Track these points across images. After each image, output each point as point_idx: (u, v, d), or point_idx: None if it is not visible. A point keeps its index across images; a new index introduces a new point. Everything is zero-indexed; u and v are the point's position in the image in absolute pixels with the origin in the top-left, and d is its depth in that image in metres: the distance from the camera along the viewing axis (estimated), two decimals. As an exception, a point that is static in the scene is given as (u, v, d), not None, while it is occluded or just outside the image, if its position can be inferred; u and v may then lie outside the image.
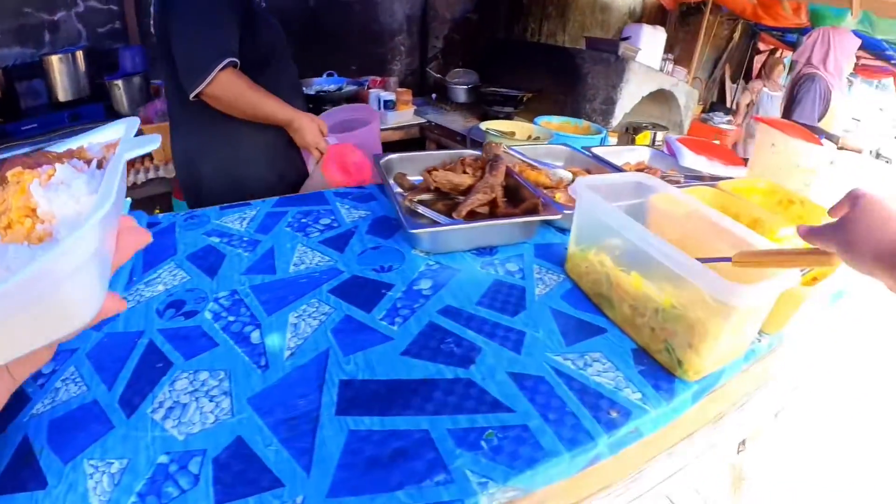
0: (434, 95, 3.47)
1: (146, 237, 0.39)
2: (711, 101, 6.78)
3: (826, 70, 3.11)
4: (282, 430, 0.68)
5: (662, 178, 1.54)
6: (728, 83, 6.83)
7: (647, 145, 2.42)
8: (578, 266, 1.05)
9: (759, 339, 1.00)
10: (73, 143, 0.42)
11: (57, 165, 0.36)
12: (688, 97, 3.20)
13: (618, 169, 1.51)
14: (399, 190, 1.33)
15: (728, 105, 6.61)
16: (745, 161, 1.77)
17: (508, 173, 1.29)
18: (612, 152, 1.68)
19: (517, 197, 1.26)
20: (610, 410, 0.76)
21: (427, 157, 1.43)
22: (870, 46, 4.96)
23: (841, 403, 2.67)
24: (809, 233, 0.66)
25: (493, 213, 1.22)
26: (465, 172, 1.29)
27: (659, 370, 0.86)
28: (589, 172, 1.51)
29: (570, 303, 1.00)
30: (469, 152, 1.43)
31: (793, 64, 3.49)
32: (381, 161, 1.38)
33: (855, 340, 3.00)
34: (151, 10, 1.49)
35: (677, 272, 0.78)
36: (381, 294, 1.00)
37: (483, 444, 0.69)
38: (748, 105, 5.65)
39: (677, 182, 1.50)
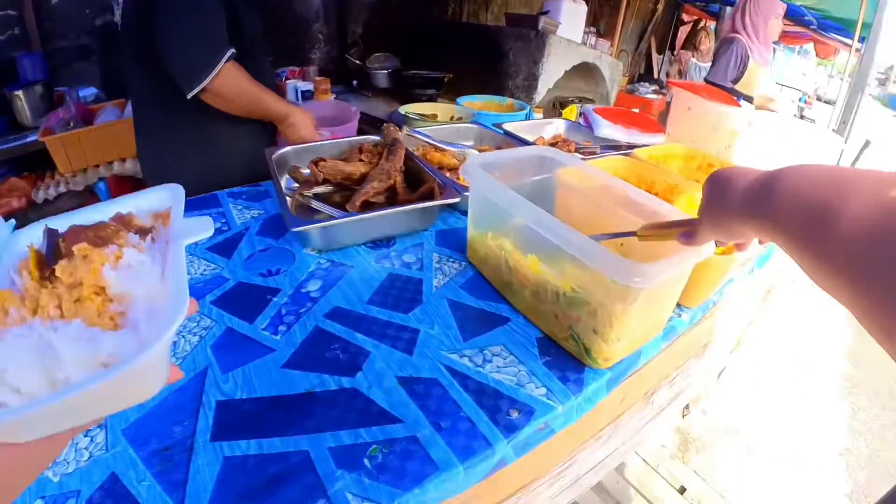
0: (355, 82, 3.32)
1: (194, 307, 0.41)
2: (639, 72, 6.86)
3: (747, 35, 3.13)
4: (155, 463, 0.62)
5: (578, 150, 1.48)
6: (654, 55, 6.92)
7: (574, 119, 2.37)
8: (478, 252, 0.96)
9: (678, 314, 0.94)
10: (121, 208, 0.45)
11: (124, 250, 0.40)
12: (612, 69, 3.17)
13: (528, 144, 1.43)
14: (295, 185, 1.21)
15: (655, 76, 6.70)
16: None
17: (408, 157, 1.19)
18: (527, 127, 1.61)
19: (420, 182, 1.16)
20: (510, 411, 0.69)
21: (323, 148, 1.31)
22: (790, 13, 5.09)
23: (783, 359, 2.73)
24: (690, 240, 0.61)
25: (394, 200, 1.12)
26: (361, 160, 1.18)
27: (567, 359, 0.79)
28: (500, 150, 1.43)
29: (471, 293, 0.92)
30: (368, 138, 1.31)
31: (718, 33, 3.52)
32: (274, 155, 1.25)
33: (789, 299, 3.08)
34: (121, 5, 1.31)
35: (572, 254, 0.71)
36: (266, 301, 0.90)
37: (366, 461, 0.62)
38: (676, 74, 5.74)
39: (593, 153, 1.45)
